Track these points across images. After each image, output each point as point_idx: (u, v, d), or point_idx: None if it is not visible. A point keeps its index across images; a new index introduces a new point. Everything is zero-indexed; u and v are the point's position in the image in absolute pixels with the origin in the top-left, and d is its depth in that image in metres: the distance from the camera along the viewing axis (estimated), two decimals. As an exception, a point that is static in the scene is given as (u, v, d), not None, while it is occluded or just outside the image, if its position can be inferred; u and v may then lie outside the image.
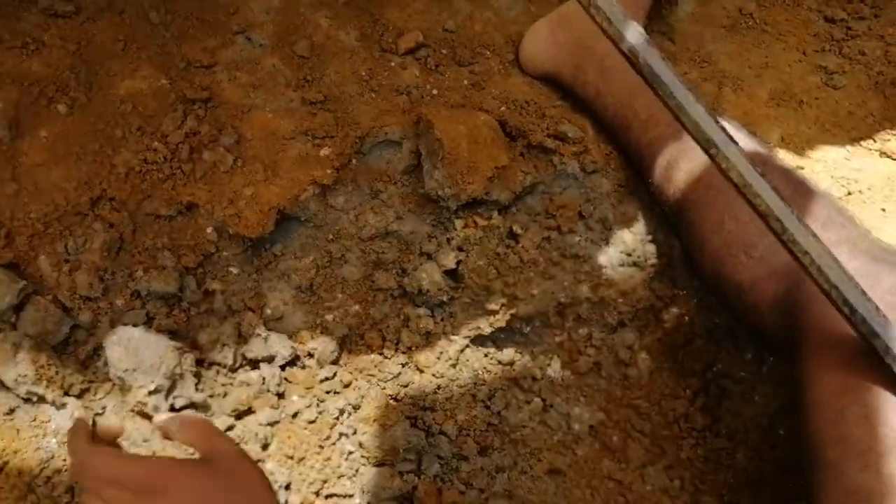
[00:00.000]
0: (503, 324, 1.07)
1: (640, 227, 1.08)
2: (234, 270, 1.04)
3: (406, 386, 1.05)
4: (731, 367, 1.08)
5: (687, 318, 1.08)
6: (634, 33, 0.69)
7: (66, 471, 0.91)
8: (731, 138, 0.67)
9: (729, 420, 1.07)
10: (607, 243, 1.08)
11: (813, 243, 0.71)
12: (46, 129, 1.02)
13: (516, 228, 1.05)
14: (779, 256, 0.86)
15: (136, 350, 0.93)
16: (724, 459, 1.06)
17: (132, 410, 0.96)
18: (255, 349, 1.01)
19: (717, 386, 1.08)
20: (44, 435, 0.92)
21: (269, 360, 1.02)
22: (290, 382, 1.04)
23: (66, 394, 0.94)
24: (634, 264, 1.08)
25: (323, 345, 1.04)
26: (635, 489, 1.07)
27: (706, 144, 0.68)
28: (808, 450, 0.81)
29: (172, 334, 0.98)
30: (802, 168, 1.12)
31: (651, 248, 1.07)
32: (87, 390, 0.96)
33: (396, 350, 1.06)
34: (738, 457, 1.06)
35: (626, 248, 1.07)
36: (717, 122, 0.68)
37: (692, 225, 0.95)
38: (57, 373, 0.93)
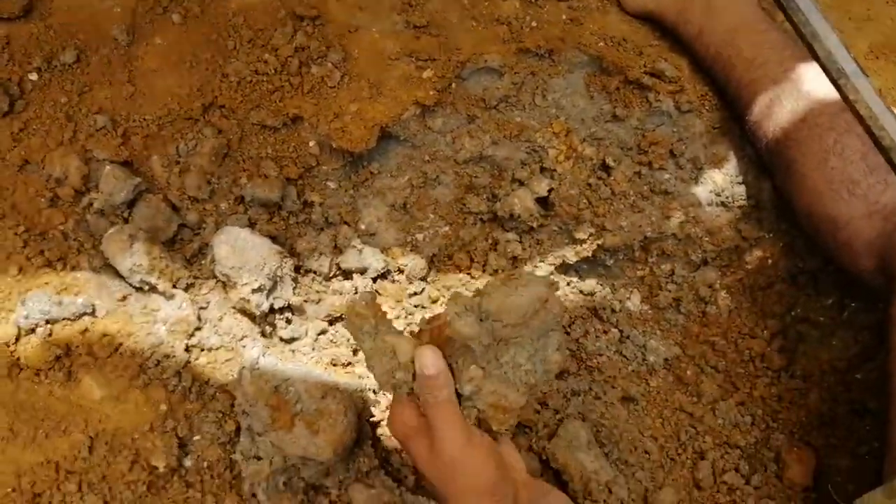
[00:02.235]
0: (589, 254, 1.09)
1: (730, 168, 1.09)
2: (332, 185, 1.08)
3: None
4: (810, 312, 1.09)
5: (770, 260, 1.10)
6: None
7: (174, 356, 0.96)
8: (863, 71, 0.68)
9: (805, 363, 1.09)
10: (697, 182, 1.09)
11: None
12: (161, 37, 1.06)
13: (609, 161, 1.07)
14: (883, 196, 0.87)
15: (242, 249, 0.97)
16: (798, 399, 1.08)
17: (234, 307, 1.01)
18: (349, 260, 1.05)
19: (795, 330, 1.10)
20: (154, 322, 0.97)
21: (362, 271, 1.06)
22: (380, 294, 1.08)
23: (175, 286, 0.99)
24: (722, 204, 1.09)
25: (413, 261, 1.07)
26: (706, 422, 1.10)
27: (836, 74, 0.68)
28: (891, 386, 0.83)
29: (273, 240, 1.03)
30: (898, 121, 1.11)
31: (740, 189, 1.09)
32: (192, 285, 1.01)
33: (483, 272, 1.09)
34: (811, 397, 1.08)
35: (715, 187, 1.09)
36: (850, 53, 0.69)
37: (792, 162, 0.96)
38: (167, 266, 0.97)
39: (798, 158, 0.95)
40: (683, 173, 1.09)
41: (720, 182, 1.09)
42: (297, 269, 1.04)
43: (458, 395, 0.77)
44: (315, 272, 1.06)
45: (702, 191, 1.09)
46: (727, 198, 1.09)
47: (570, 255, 1.10)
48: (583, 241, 1.08)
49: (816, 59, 0.69)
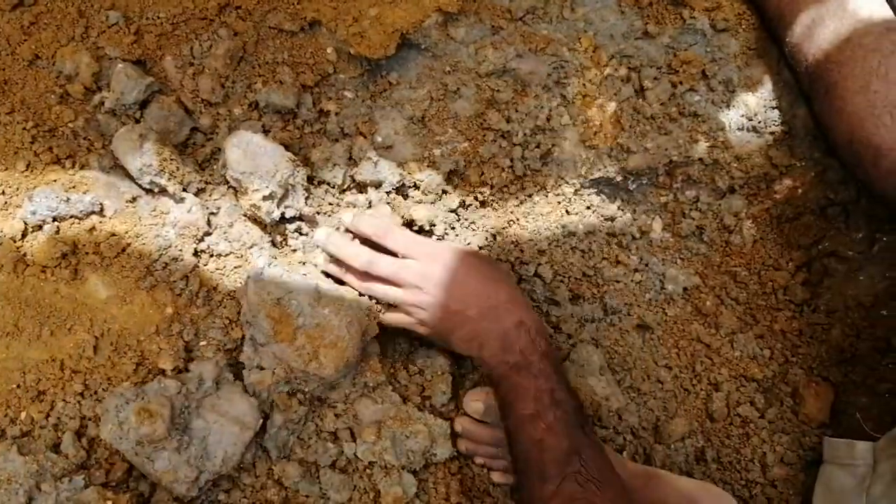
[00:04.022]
0: (613, 174, 1.05)
1: (764, 92, 1.04)
2: (349, 94, 1.04)
3: (509, 225, 1.05)
4: (839, 245, 1.05)
5: (800, 190, 1.06)
6: None
7: (182, 260, 0.95)
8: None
9: (829, 297, 1.06)
10: (728, 106, 1.05)
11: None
12: (177, -67, 1.02)
13: (645, 82, 1.03)
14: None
15: (254, 154, 0.94)
16: (819, 334, 1.05)
17: (245, 214, 0.99)
18: (364, 173, 1.02)
19: (822, 263, 1.06)
20: (163, 225, 0.95)
21: (377, 185, 1.03)
22: (394, 210, 1.05)
23: (185, 190, 0.97)
24: (754, 129, 1.05)
25: (430, 177, 1.04)
26: (723, 354, 1.07)
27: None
28: None
29: (286, 148, 1.00)
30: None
31: (774, 114, 1.04)
32: (203, 190, 0.99)
33: (493, 188, 1.05)
34: (833, 333, 1.05)
35: (747, 111, 1.04)
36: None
37: (833, 86, 0.91)
38: (178, 168, 0.95)
39: (839, 81, 0.90)
40: (715, 95, 1.04)
41: (753, 106, 1.04)
42: (310, 179, 1.02)
43: None
44: (328, 184, 1.03)
45: (733, 115, 1.04)
46: (759, 123, 1.04)
47: (593, 175, 1.06)
48: (605, 164, 1.05)
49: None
